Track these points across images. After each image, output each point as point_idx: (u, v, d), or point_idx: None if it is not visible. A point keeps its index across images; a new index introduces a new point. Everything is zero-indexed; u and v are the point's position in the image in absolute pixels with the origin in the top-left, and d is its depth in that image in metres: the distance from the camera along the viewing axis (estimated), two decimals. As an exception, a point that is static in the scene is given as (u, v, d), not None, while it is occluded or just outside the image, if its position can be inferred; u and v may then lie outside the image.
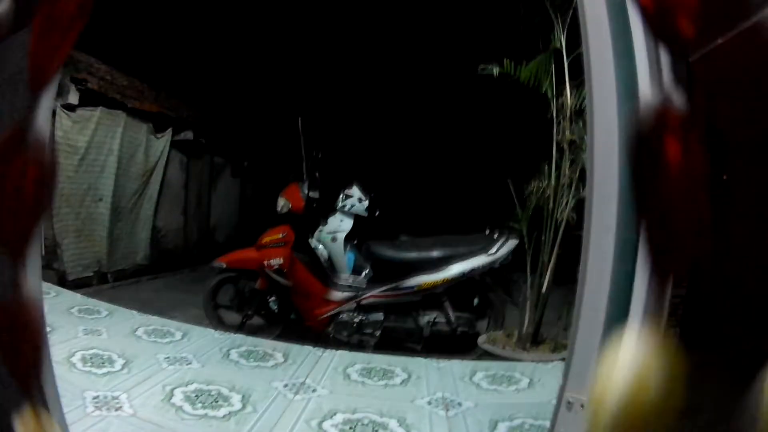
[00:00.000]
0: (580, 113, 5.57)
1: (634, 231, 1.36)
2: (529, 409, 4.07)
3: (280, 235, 6.33)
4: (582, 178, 5.57)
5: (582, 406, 1.50)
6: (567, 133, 5.62)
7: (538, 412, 4.03)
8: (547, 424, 3.74)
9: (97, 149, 7.86)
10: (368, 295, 6.18)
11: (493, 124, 10.32)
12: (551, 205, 5.70)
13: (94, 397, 3.57)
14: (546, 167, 5.78)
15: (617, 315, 1.46)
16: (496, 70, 5.74)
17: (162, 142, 8.96)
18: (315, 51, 10.45)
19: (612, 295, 1.48)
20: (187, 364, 4.39)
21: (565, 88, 5.65)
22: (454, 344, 6.03)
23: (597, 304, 1.50)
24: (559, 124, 5.72)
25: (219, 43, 9.84)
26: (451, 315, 6.14)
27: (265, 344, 5.25)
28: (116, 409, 3.44)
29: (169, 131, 9.05)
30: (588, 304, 1.53)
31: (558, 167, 5.71)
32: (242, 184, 11.02)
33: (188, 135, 9.43)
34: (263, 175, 8.90)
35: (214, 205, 10.52)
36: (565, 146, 5.63)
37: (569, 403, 1.53)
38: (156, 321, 5.47)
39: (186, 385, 3.94)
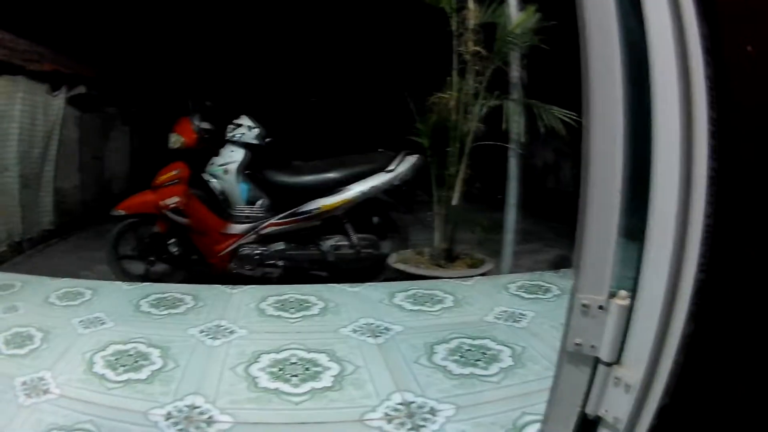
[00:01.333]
0: (484, 25, 5.47)
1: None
2: (462, 329, 4.05)
3: (174, 172, 5.98)
4: (489, 88, 5.50)
5: (600, 307, 1.36)
6: (470, 44, 5.46)
7: (473, 331, 4.01)
8: (487, 342, 3.78)
9: None
10: (266, 224, 5.95)
11: (389, 40, 10.15)
12: (455, 116, 5.54)
13: (23, 383, 3.31)
14: (448, 79, 5.61)
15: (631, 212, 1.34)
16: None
17: (57, 101, 8.46)
18: None
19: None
20: (101, 324, 4.14)
21: (467, 1, 5.51)
22: (361, 268, 5.90)
23: (608, 199, 1.36)
24: (461, 36, 5.56)
25: None
26: (354, 237, 5.99)
27: (173, 289, 5.01)
28: (45, 393, 3.20)
29: (64, 89, 8.54)
30: (597, 199, 1.38)
31: (462, 79, 5.55)
32: (132, 131, 10.59)
33: (81, 90, 8.93)
34: (153, 119, 8.54)
35: (107, 157, 10.07)
36: (469, 57, 5.47)
37: (584, 305, 1.39)
38: (66, 283, 5.11)
39: (105, 349, 3.71)
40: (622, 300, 1.36)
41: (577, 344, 1.43)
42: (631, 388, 1.33)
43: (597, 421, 1.43)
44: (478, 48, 5.45)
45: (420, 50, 5.97)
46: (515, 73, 5.67)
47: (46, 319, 4.30)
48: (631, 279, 1.35)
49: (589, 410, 1.44)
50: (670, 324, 1.27)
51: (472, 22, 5.48)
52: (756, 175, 1.14)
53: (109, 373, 3.39)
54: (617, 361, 1.38)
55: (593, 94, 1.34)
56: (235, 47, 10.54)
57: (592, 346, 1.41)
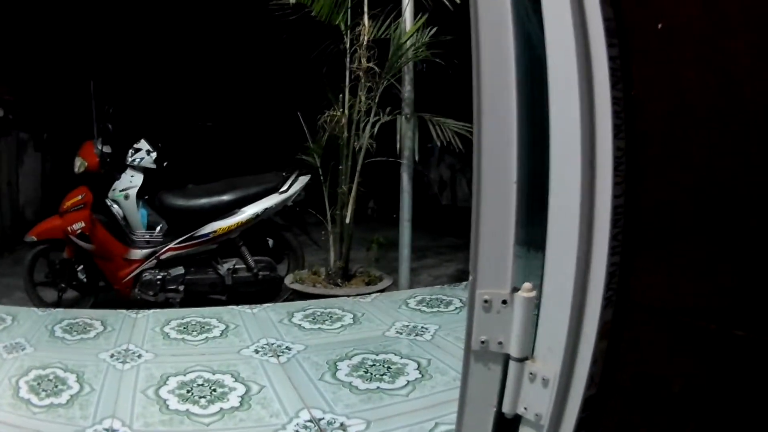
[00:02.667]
0: (377, 42, 5.52)
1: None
2: (363, 344, 4.02)
3: (79, 197, 5.86)
4: (381, 104, 5.52)
5: (504, 302, 1.33)
6: (363, 61, 5.47)
7: (375, 346, 3.98)
8: (390, 357, 3.74)
9: None
10: (166, 249, 5.83)
11: (280, 61, 10.17)
12: (346, 134, 5.54)
13: None
14: (340, 96, 5.60)
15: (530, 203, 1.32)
16: (292, 0, 5.47)
17: None
18: (100, 15, 9.99)
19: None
20: (22, 350, 4.02)
21: (362, 18, 5.53)
22: (259, 291, 5.85)
23: (503, 189, 1.32)
24: (354, 53, 5.58)
25: (15, 20, 9.12)
26: (250, 260, 5.92)
27: (83, 314, 4.89)
28: None
29: None
30: (491, 191, 1.34)
31: (354, 95, 5.55)
32: (44, 157, 10.27)
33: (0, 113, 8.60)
34: (63, 145, 8.35)
35: (21, 183, 9.69)
36: (362, 74, 5.48)
37: (486, 301, 1.35)
38: None
39: (27, 374, 3.60)
40: (527, 292, 1.31)
41: (482, 342, 1.37)
42: (550, 382, 1.28)
43: (516, 419, 1.37)
44: (370, 64, 5.45)
45: (313, 69, 5.94)
46: (407, 87, 5.69)
47: None
48: (533, 272, 1.32)
49: (506, 409, 1.37)
50: (585, 312, 1.23)
51: (365, 39, 5.48)
52: (665, 153, 1.13)
53: (34, 398, 3.31)
54: (530, 356, 1.33)
55: (483, 76, 1.31)
56: (139, 71, 10.47)
57: (500, 343, 1.35)
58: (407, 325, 4.36)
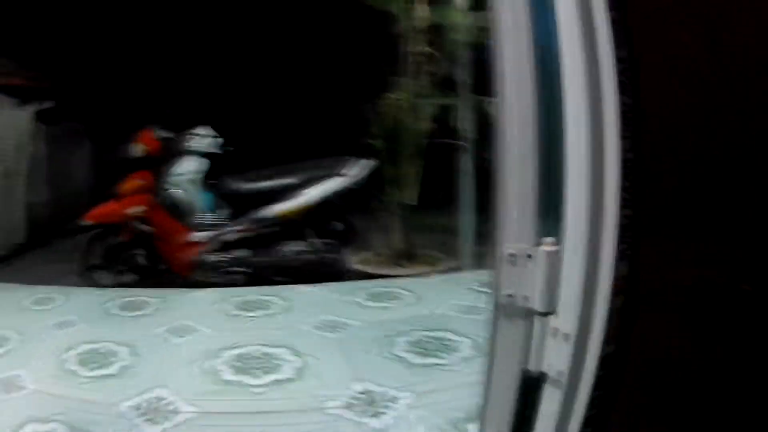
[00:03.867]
0: (433, 27, 5.52)
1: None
2: (422, 322, 4.06)
3: (137, 182, 5.99)
4: (440, 86, 5.53)
5: (528, 256, 1.34)
6: (420, 45, 5.49)
7: (433, 323, 4.01)
8: (446, 334, 3.77)
9: None
10: (229, 231, 5.93)
11: (338, 45, 10.22)
12: (407, 117, 5.56)
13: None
14: (399, 81, 5.62)
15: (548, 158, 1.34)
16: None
17: (26, 115, 8.40)
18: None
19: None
20: (73, 326, 4.16)
21: (417, 1, 5.55)
22: (323, 272, 5.83)
23: (524, 145, 1.35)
24: (410, 37, 5.61)
25: (68, 9, 9.33)
26: (315, 242, 5.95)
27: (141, 293, 5.05)
28: (20, 388, 3.25)
29: (33, 103, 8.50)
30: (513, 147, 1.37)
31: (412, 79, 5.58)
32: (97, 144, 10.54)
33: (49, 104, 8.89)
34: (116, 131, 8.54)
35: (74, 171, 9.99)
36: (419, 58, 5.50)
37: (511, 255, 1.37)
38: (40, 290, 5.13)
39: (76, 348, 3.73)
40: (548, 246, 1.32)
41: (509, 296, 1.38)
42: (569, 337, 1.28)
43: (541, 378, 1.37)
44: (427, 48, 5.46)
45: (371, 54, 5.97)
46: (465, 71, 5.69)
47: (20, 322, 4.32)
48: (558, 227, 1.34)
49: (531, 366, 1.37)
50: (598, 266, 1.25)
51: (421, 24, 5.48)
52: (673, 104, 1.15)
53: (81, 370, 3.44)
54: (552, 310, 1.36)
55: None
56: (195, 57, 10.56)
57: (525, 297, 1.36)
58: (465, 305, 4.37)
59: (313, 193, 5.86)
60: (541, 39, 1.33)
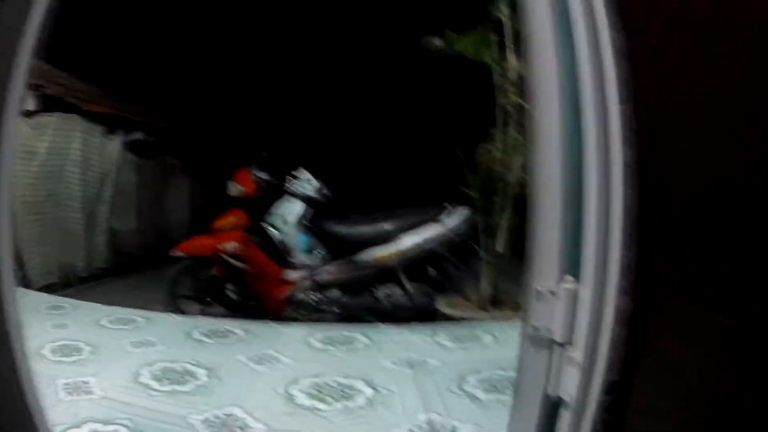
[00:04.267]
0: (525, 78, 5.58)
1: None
2: (496, 363, 4.12)
3: (233, 219, 6.25)
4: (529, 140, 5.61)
5: (552, 293, 1.51)
6: (512, 96, 5.65)
7: (507, 364, 4.05)
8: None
9: (55, 155, 7.65)
10: (323, 271, 6.12)
11: (436, 96, 10.36)
12: (501, 168, 5.69)
13: (65, 384, 3.55)
14: (493, 131, 5.78)
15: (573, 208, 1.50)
16: (438, 42, 5.72)
17: (114, 144, 8.82)
18: (253, 40, 10.44)
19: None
20: (151, 346, 4.38)
21: (509, 54, 5.69)
22: (413, 317, 5.91)
23: (552, 198, 1.53)
24: (503, 88, 5.75)
25: (164, 43, 9.83)
26: (408, 287, 6.06)
27: (227, 323, 5.25)
28: (87, 393, 3.44)
29: (121, 132, 8.93)
30: (544, 199, 1.55)
31: (505, 130, 5.72)
32: (192, 180, 10.94)
33: (138, 135, 9.31)
34: (213, 170, 8.84)
35: (167, 204, 10.40)
36: (511, 109, 5.65)
37: (539, 291, 1.54)
38: (120, 311, 5.41)
39: (152, 365, 3.93)
40: (568, 284, 1.50)
41: (535, 327, 1.56)
42: (580, 366, 1.45)
43: (558, 402, 1.54)
44: (519, 100, 5.59)
45: (466, 104, 6.12)
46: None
47: (95, 337, 4.56)
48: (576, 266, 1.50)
49: (551, 391, 1.55)
50: (604, 301, 1.41)
51: (513, 74, 5.64)
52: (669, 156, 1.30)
53: (154, 384, 3.61)
54: (569, 341, 1.51)
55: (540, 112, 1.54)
56: (294, 101, 10.82)
57: (548, 329, 1.54)
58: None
59: (409, 240, 5.97)
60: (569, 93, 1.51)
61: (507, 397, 3.49)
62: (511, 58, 5.65)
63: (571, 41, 1.46)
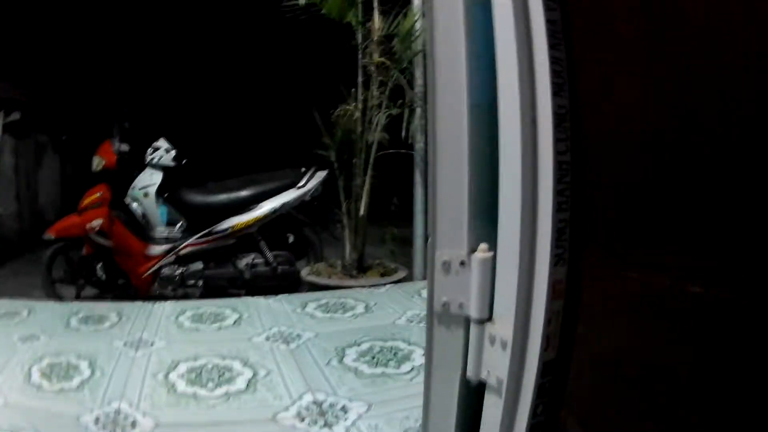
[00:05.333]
0: (388, 37, 5.56)
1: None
2: (373, 332, 4.04)
3: (98, 195, 6.05)
4: (391, 97, 5.54)
5: (462, 263, 1.32)
6: (375, 55, 5.53)
7: (384, 334, 4.01)
8: (398, 344, 3.75)
9: None
10: (185, 244, 5.98)
11: (294, 57, 10.27)
12: (360, 128, 5.58)
13: None
14: (353, 91, 5.65)
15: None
16: (302, 1, 5.51)
17: None
18: (108, 7, 10.15)
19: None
20: (37, 340, 4.10)
21: (373, 14, 5.59)
22: (278, 285, 5.89)
23: (456, 149, 1.33)
24: (365, 48, 5.64)
25: (34, 21, 9.37)
26: (269, 255, 6.04)
27: (100, 307, 4.97)
28: None
29: (1, 114, 8.36)
30: (445, 151, 1.36)
31: (366, 90, 5.59)
32: (63, 158, 10.47)
33: (16, 116, 8.74)
34: (82, 146, 8.50)
35: (41, 184, 9.88)
36: (373, 69, 5.53)
37: (445, 262, 1.35)
38: (4, 304, 5.02)
39: (40, 361, 3.68)
40: (483, 253, 1.31)
41: (443, 304, 1.37)
42: (507, 345, 1.26)
43: (481, 385, 1.35)
44: (382, 59, 5.48)
45: (327, 66, 5.99)
46: (418, 80, 5.71)
47: None
48: (492, 233, 1.32)
49: (470, 373, 1.35)
50: (534, 271, 1.23)
51: (377, 34, 5.52)
52: (613, 105, 1.14)
53: (45, 383, 3.39)
54: (489, 317, 1.32)
55: (436, 47, 1.33)
56: (155, 70, 10.62)
57: (460, 305, 1.35)
58: (418, 314, 4.37)
59: (268, 206, 5.94)
60: (477, 40, 1.31)
61: (393, 371, 3.44)
62: (376, 17, 5.54)
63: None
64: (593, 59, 1.15)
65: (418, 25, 5.50)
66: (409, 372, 3.41)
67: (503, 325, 1.29)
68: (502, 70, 1.22)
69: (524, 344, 1.26)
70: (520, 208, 1.20)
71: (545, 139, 1.16)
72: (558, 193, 1.17)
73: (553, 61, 1.15)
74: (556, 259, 1.21)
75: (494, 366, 1.31)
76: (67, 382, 3.40)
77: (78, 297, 5.96)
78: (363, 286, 5.25)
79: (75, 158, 10.10)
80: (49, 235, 6.02)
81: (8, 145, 8.74)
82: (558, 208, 1.18)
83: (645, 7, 1.06)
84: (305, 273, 5.78)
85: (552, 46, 1.15)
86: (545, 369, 1.25)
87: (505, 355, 1.27)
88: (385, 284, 5.29)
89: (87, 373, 3.52)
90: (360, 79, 5.71)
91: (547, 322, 1.23)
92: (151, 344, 4.02)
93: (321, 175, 6.06)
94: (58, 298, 5.92)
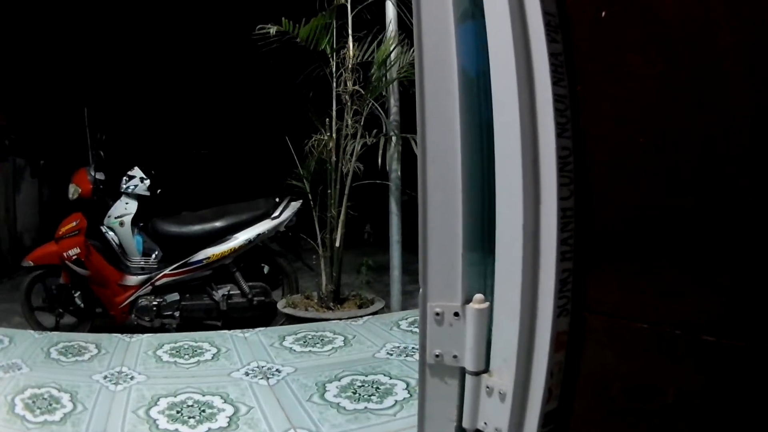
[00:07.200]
0: (363, 65, 5.56)
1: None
2: (353, 366, 4.00)
3: (74, 223, 5.96)
4: (366, 126, 5.52)
5: (456, 314, 1.28)
6: (349, 84, 5.52)
7: (364, 367, 3.97)
8: (379, 378, 3.70)
9: None
10: (161, 275, 5.90)
11: (269, 87, 10.30)
12: (334, 157, 5.56)
13: None
14: (327, 120, 5.62)
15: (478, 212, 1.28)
16: (273, 30, 5.49)
17: None
18: (88, 35, 10.26)
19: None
20: (18, 370, 4.09)
21: (347, 41, 5.57)
22: (254, 316, 5.87)
23: (450, 200, 1.29)
24: (340, 76, 5.62)
25: (13, 46, 9.38)
26: (244, 285, 5.95)
27: (79, 338, 4.95)
28: None
29: None
30: (437, 201, 1.31)
31: (340, 119, 5.57)
32: (41, 183, 10.40)
33: None
34: (60, 171, 8.49)
35: (19, 209, 9.77)
36: (347, 97, 5.51)
37: (437, 314, 1.31)
38: None
39: (23, 392, 3.65)
40: (478, 304, 1.27)
41: (437, 356, 1.32)
42: (507, 396, 1.22)
43: None
44: (356, 87, 5.47)
45: (301, 94, 5.97)
46: (393, 108, 5.69)
47: None
48: (488, 281, 1.27)
49: (466, 424, 1.32)
50: (536, 322, 1.18)
51: (350, 61, 5.52)
52: (614, 151, 1.09)
53: (28, 415, 3.35)
54: (485, 369, 1.28)
55: (426, 79, 1.28)
56: (131, 99, 10.68)
57: (455, 356, 1.31)
58: (398, 347, 4.34)
59: (243, 237, 5.88)
60: (470, 70, 1.27)
61: (376, 406, 3.39)
62: (350, 44, 5.54)
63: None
64: (599, 95, 1.10)
65: (394, 54, 5.49)
66: (392, 407, 3.37)
67: (501, 377, 1.25)
68: (498, 108, 1.17)
69: (525, 395, 1.22)
70: (521, 258, 1.15)
71: (548, 184, 1.11)
72: (562, 242, 1.12)
73: (557, 99, 1.10)
74: (559, 311, 1.16)
75: (492, 417, 1.27)
76: (50, 415, 3.35)
77: (57, 326, 5.89)
78: (340, 319, 5.19)
79: (52, 183, 10.09)
80: (28, 262, 5.99)
81: None
82: (562, 257, 1.13)
83: (656, 37, 1.01)
84: (281, 305, 5.73)
85: (555, 82, 1.10)
86: (547, 419, 1.21)
87: (505, 406, 1.23)
88: (362, 316, 5.23)
89: (69, 406, 3.47)
90: (334, 108, 5.66)
91: (549, 374, 1.18)
92: (131, 378, 3.97)
93: (295, 205, 5.99)
94: (38, 326, 5.86)
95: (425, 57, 1.27)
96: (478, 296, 1.27)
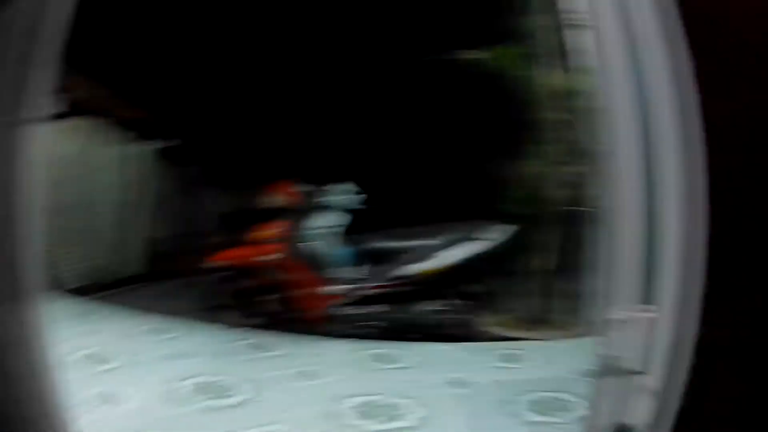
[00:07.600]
0: (566, 93, 5.60)
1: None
2: (548, 384, 4.08)
3: (274, 230, 6.23)
4: (574, 154, 5.56)
5: (630, 321, 1.50)
6: (554, 112, 5.66)
7: (558, 386, 4.04)
8: (565, 396, 3.79)
9: (82, 160, 7.74)
10: (366, 287, 6.08)
11: (468, 111, 10.32)
12: (543, 184, 5.68)
13: (99, 393, 3.54)
14: (534, 147, 5.75)
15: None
16: (473, 56, 5.66)
17: (144, 151, 8.87)
18: (285, 49, 10.38)
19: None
20: (187, 358, 4.38)
21: (550, 68, 5.67)
22: (457, 333, 5.86)
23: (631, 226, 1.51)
24: (543, 103, 5.73)
25: (195, 53, 9.77)
26: (452, 302, 6.05)
27: (269, 337, 5.25)
28: (119, 404, 3.45)
29: (152, 140, 8.94)
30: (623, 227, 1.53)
31: (546, 146, 5.72)
32: (218, 189, 10.97)
33: (174, 142, 9.32)
34: (238, 178, 8.86)
35: (197, 212, 10.42)
36: (549, 124, 5.64)
37: (616, 320, 1.52)
38: (157, 320, 5.40)
39: (189, 379, 3.92)
40: (646, 313, 1.48)
41: (612, 357, 1.55)
42: (654, 394, 1.45)
43: (630, 429, 1.53)
44: (561, 115, 5.57)
45: (505, 121, 6.04)
46: (596, 138, 5.69)
47: (130, 346, 4.61)
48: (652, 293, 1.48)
49: (626, 420, 1.53)
50: (683, 330, 1.40)
51: (555, 90, 5.62)
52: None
53: (194, 397, 3.63)
54: (646, 370, 1.49)
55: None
56: (340, 114, 10.79)
57: (626, 358, 1.52)
58: (590, 369, 4.35)
59: (452, 255, 5.94)
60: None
61: (558, 420, 3.51)
62: (551, 73, 5.61)
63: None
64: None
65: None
66: (570, 423, 3.45)
67: (656, 378, 1.46)
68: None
69: (667, 394, 1.44)
70: (678, 279, 1.40)
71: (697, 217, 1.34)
72: (705, 260, 1.33)
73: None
74: (699, 321, 1.38)
75: (643, 412, 1.49)
76: (216, 401, 3.59)
77: (240, 325, 6.02)
78: (539, 339, 5.28)
79: (234, 191, 10.41)
80: (216, 261, 6.21)
81: (160, 170, 9.30)
82: (707, 275, 1.34)
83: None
84: (487, 323, 5.85)
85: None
86: (679, 416, 1.42)
87: (652, 402, 1.46)
88: (561, 339, 5.28)
89: (248, 394, 3.72)
90: (544, 135, 5.76)
91: (688, 374, 1.39)
92: (323, 377, 4.19)
93: (504, 228, 6.03)
94: (218, 323, 6.01)
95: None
96: (646, 306, 1.49)
